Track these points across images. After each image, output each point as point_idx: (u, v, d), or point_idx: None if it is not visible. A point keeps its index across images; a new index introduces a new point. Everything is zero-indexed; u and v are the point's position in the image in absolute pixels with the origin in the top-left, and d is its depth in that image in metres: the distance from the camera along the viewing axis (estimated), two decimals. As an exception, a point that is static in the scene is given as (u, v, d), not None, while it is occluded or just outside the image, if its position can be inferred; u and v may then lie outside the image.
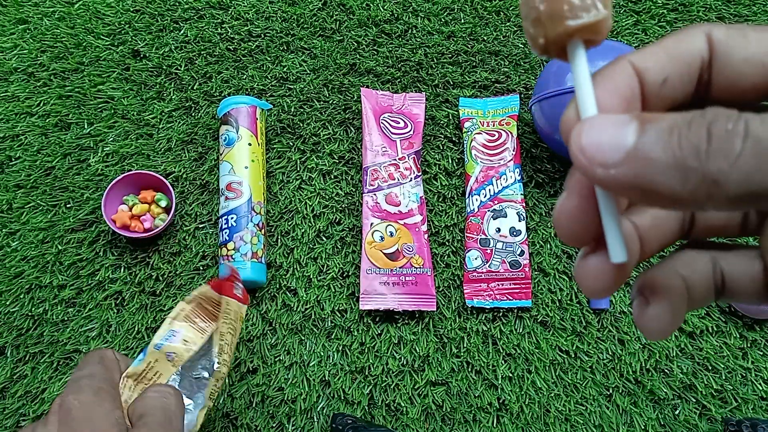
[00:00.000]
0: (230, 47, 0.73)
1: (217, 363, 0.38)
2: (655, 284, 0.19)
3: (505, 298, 0.63)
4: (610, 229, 0.17)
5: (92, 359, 0.34)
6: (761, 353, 0.62)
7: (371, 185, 0.66)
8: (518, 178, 0.66)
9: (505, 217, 0.65)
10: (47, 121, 0.70)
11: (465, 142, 0.69)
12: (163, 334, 0.37)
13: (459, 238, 0.67)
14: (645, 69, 0.17)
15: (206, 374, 0.38)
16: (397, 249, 0.64)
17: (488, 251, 0.64)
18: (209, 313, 0.40)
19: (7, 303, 0.64)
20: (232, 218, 0.63)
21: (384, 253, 0.64)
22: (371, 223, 0.65)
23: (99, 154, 0.69)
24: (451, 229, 0.67)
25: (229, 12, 0.74)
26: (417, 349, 0.63)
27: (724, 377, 0.62)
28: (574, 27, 0.17)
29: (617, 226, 0.17)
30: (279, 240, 0.67)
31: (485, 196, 0.66)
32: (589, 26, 0.17)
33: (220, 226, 0.64)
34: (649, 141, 0.14)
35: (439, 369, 0.62)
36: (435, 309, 0.63)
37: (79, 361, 0.35)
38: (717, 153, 0.13)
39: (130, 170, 0.66)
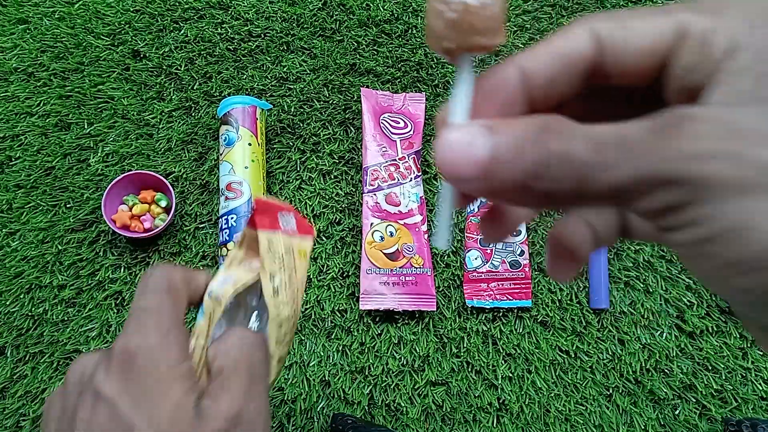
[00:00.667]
0: (230, 47, 0.73)
1: (273, 306, 0.34)
2: (563, 236, 0.21)
3: (505, 298, 0.63)
4: (442, 219, 0.19)
5: (158, 285, 0.27)
6: (761, 353, 0.62)
7: (371, 185, 0.66)
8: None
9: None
10: (47, 121, 0.70)
11: (465, 142, 0.69)
12: (218, 282, 0.32)
13: (459, 238, 0.67)
14: (530, 70, 0.18)
15: (257, 323, 0.35)
16: (397, 249, 0.64)
17: (488, 251, 0.64)
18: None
19: (7, 303, 0.64)
20: (232, 218, 0.63)
21: (384, 253, 0.64)
22: (371, 223, 0.65)
23: (99, 154, 0.69)
24: (451, 229, 0.67)
25: (229, 12, 0.74)
26: (417, 349, 0.63)
27: (724, 377, 0.62)
28: (483, 45, 0.18)
29: (449, 218, 0.19)
30: (279, 240, 0.67)
31: (485, 196, 0.66)
32: (492, 47, 0.19)
33: (220, 226, 0.64)
34: (500, 157, 0.16)
35: (439, 369, 0.62)
36: (435, 309, 0.63)
37: (141, 278, 0.28)
38: (558, 164, 0.15)
39: (130, 170, 0.66)
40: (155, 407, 0.23)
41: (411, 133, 0.68)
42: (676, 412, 0.61)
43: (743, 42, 0.16)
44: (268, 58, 0.73)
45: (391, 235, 0.65)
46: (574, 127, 0.16)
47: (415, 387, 0.62)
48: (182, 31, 0.74)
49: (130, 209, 0.65)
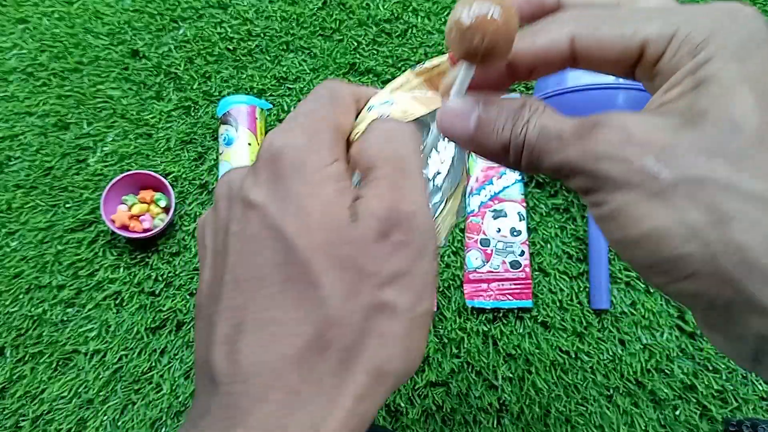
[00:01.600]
0: (230, 47, 0.73)
1: (467, 164, 0.28)
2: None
3: (506, 299, 0.63)
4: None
5: (321, 94, 0.26)
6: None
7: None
8: (518, 177, 0.66)
9: (506, 217, 0.65)
10: (46, 120, 0.70)
11: (465, 141, 0.69)
12: (380, 99, 0.28)
13: (459, 238, 0.67)
14: (515, 61, 0.23)
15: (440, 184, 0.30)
16: (397, 249, 0.64)
17: (488, 251, 0.64)
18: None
19: (7, 303, 0.64)
20: (231, 218, 0.62)
21: (384, 254, 0.64)
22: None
23: (98, 154, 0.69)
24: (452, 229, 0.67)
25: (229, 11, 0.74)
26: (417, 349, 0.63)
27: (724, 377, 0.61)
28: (499, 61, 0.22)
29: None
30: (279, 240, 0.67)
31: (485, 196, 0.65)
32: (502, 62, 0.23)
33: (219, 226, 0.64)
34: (483, 128, 0.22)
35: (439, 370, 0.62)
36: (435, 309, 0.63)
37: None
38: (527, 134, 0.21)
39: (129, 170, 0.66)
40: (304, 209, 0.21)
41: (411, 132, 0.68)
42: (677, 413, 0.61)
43: (683, 64, 0.20)
44: (268, 58, 0.72)
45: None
46: (538, 115, 0.21)
47: (415, 388, 0.62)
48: (181, 31, 0.73)
49: (130, 209, 0.65)
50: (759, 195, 0.18)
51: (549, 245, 0.66)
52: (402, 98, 0.28)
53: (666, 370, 0.62)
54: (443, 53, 0.30)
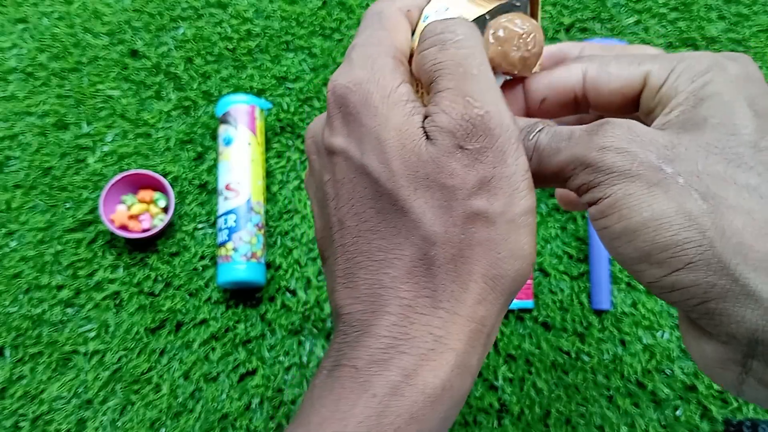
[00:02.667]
0: (229, 46, 0.72)
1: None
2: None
3: (506, 299, 0.63)
4: None
5: (369, 20, 0.26)
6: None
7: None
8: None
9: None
10: (46, 120, 0.70)
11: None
12: (434, 7, 0.27)
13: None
14: (530, 92, 0.26)
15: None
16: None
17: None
18: None
19: (6, 303, 0.64)
20: (231, 218, 0.62)
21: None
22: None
23: (97, 154, 0.69)
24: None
25: (228, 11, 0.74)
26: (417, 349, 0.63)
27: (725, 378, 0.61)
28: (529, 72, 0.26)
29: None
30: (278, 240, 0.67)
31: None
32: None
33: (219, 226, 0.63)
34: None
35: (439, 370, 0.62)
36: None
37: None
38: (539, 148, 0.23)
39: (129, 170, 0.66)
40: (379, 141, 0.22)
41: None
42: (678, 413, 0.60)
43: (683, 89, 0.22)
44: (268, 58, 0.72)
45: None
46: (551, 126, 0.23)
47: (415, 388, 0.61)
48: (181, 31, 0.73)
49: (129, 209, 0.64)
50: (754, 187, 0.19)
51: (549, 245, 0.66)
52: (457, 2, 0.27)
53: (667, 371, 0.62)
54: None
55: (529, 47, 0.24)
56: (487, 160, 0.21)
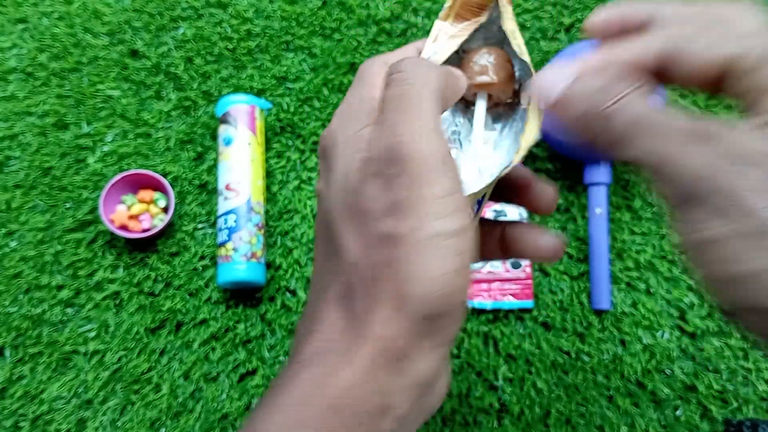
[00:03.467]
0: (229, 46, 0.72)
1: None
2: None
3: (506, 299, 0.63)
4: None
5: (355, 81, 0.28)
6: (763, 354, 0.62)
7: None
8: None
9: (506, 217, 0.64)
10: (46, 120, 0.70)
11: (465, 141, 0.68)
12: (427, 54, 0.30)
13: (459, 238, 0.66)
14: (609, 61, 0.25)
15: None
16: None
17: (489, 251, 0.64)
18: (474, 14, 0.31)
19: (6, 303, 0.64)
20: (231, 218, 0.62)
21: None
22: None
23: (97, 154, 0.69)
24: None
25: (228, 11, 0.74)
26: (417, 349, 0.63)
27: (725, 378, 0.61)
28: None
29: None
30: (278, 240, 0.67)
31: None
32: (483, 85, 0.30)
33: (219, 226, 0.63)
34: (568, 97, 0.24)
35: (439, 370, 0.62)
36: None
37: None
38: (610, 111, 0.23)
39: (129, 170, 0.66)
40: (334, 180, 0.25)
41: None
42: (678, 413, 0.60)
43: None
44: (268, 57, 0.72)
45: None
46: (639, 93, 0.23)
47: (415, 388, 0.61)
48: (181, 30, 0.73)
49: (129, 209, 0.64)
50: None
51: (549, 245, 0.66)
52: (442, 46, 0.31)
53: (666, 371, 0.62)
54: None
55: (490, 71, 0.30)
56: (401, 183, 0.22)
